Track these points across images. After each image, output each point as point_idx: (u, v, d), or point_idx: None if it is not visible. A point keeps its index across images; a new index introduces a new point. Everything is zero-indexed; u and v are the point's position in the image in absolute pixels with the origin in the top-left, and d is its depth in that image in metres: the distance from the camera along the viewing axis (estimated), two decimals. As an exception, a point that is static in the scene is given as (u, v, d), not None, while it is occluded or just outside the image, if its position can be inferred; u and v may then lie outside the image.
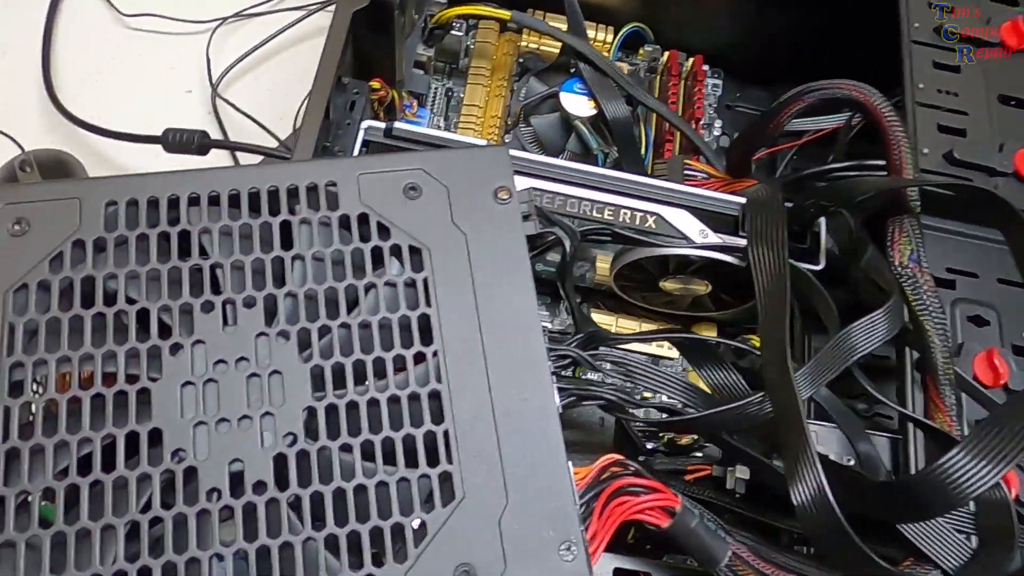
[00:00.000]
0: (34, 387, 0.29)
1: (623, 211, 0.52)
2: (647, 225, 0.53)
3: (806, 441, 0.33)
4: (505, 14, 0.63)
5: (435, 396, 0.30)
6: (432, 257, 0.32)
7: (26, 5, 0.70)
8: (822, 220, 0.52)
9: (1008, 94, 0.54)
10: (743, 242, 0.51)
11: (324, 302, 0.31)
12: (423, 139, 0.52)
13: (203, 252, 0.32)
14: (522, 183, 0.51)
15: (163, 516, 0.28)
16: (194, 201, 0.32)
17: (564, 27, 0.65)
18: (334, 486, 0.29)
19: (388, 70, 0.56)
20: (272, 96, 0.70)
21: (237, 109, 0.67)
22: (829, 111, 0.59)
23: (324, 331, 0.31)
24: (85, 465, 0.28)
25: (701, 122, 0.68)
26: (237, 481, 0.29)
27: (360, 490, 0.29)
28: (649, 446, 0.43)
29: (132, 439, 0.29)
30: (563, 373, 0.39)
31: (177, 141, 0.58)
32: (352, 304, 0.32)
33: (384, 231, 0.33)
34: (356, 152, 0.51)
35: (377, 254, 0.33)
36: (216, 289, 0.31)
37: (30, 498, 0.28)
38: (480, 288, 0.32)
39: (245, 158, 0.63)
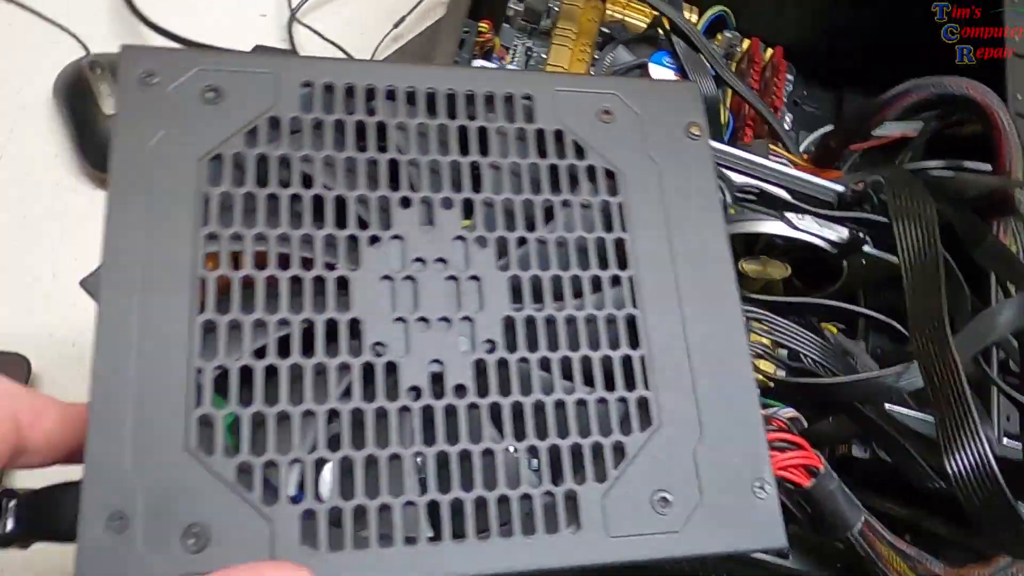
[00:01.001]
0: (228, 261, 0.27)
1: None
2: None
3: (968, 409, 0.33)
4: (604, -26, 0.63)
5: (631, 321, 0.30)
6: (627, 183, 0.32)
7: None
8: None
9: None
10: (841, 229, 0.52)
11: (520, 213, 0.30)
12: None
13: (397, 148, 0.30)
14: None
15: (364, 408, 0.26)
16: (390, 95, 0.31)
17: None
18: (534, 398, 0.28)
19: (497, 14, 0.55)
20: (348, 30, 0.68)
21: (319, 35, 0.65)
22: (924, 110, 0.60)
23: (521, 242, 0.30)
24: (282, 347, 0.27)
25: (778, 112, 0.69)
26: (437, 382, 0.28)
27: (559, 405, 0.28)
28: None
29: (331, 326, 0.27)
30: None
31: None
32: (547, 220, 0.31)
33: (579, 151, 0.32)
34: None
35: (572, 173, 0.32)
36: (412, 187, 0.30)
37: (229, 372, 0.26)
38: (672, 220, 0.32)
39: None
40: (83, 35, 0.62)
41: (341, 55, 0.65)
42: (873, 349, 0.49)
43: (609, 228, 0.31)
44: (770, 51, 0.71)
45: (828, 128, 0.63)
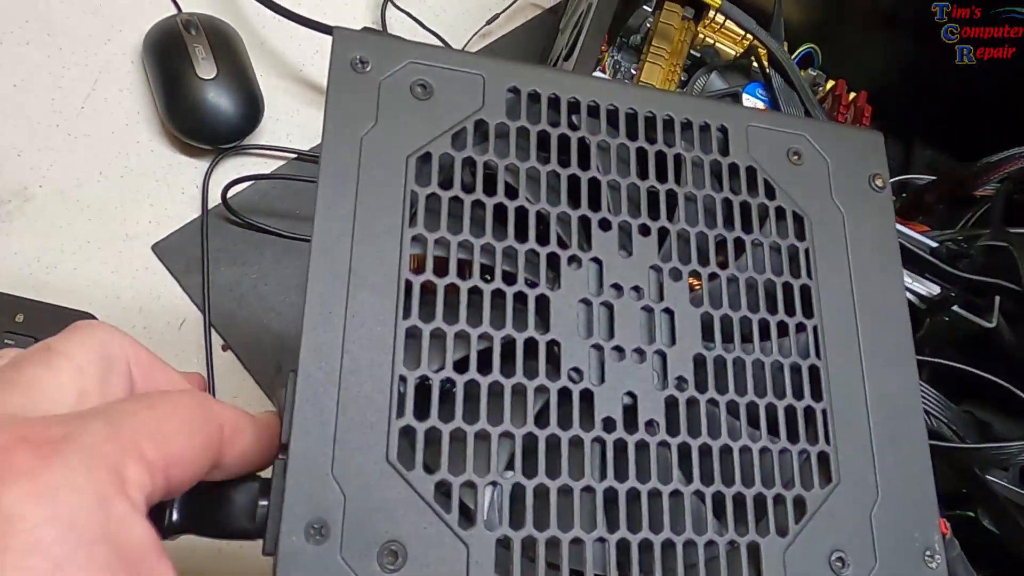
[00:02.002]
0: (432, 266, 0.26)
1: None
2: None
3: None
4: (715, 0, 0.62)
5: (814, 372, 0.29)
6: (813, 228, 0.31)
7: None
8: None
9: None
10: (932, 285, 0.52)
11: (713, 249, 0.30)
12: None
13: (598, 167, 0.30)
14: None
15: (560, 435, 0.26)
16: (593, 111, 0.30)
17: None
18: (722, 442, 0.27)
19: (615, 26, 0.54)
20: (438, 20, 0.66)
21: (414, 19, 0.63)
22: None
23: (712, 278, 0.29)
24: (484, 362, 0.26)
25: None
26: (629, 414, 0.27)
27: (744, 451, 0.27)
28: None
29: (529, 345, 0.26)
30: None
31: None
32: (737, 257, 0.30)
33: (770, 190, 0.31)
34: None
35: (763, 212, 0.31)
36: (610, 209, 0.29)
37: (430, 383, 0.25)
38: (856, 271, 0.31)
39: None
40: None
41: (437, 42, 0.63)
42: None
43: (797, 274, 0.30)
44: (853, 94, 0.71)
45: (928, 179, 0.62)
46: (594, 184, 0.29)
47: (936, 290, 0.52)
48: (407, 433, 0.24)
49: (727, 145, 0.31)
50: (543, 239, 0.28)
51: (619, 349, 0.27)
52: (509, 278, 0.27)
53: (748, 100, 0.62)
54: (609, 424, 0.27)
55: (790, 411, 0.28)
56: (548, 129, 0.29)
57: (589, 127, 0.30)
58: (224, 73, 0.55)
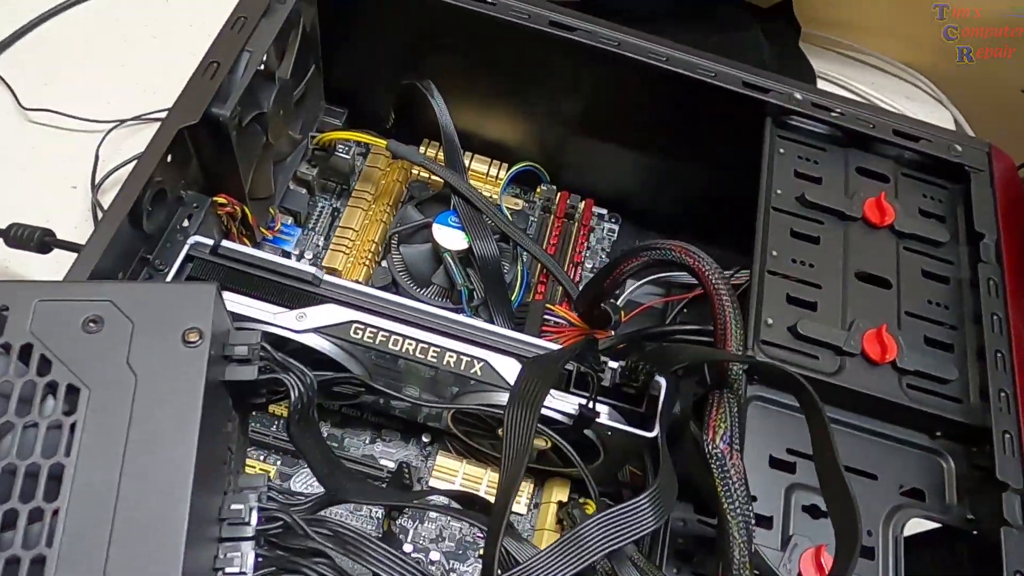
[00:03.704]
0: None
1: (448, 354, 0.49)
2: (473, 371, 0.49)
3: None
4: (381, 142, 0.62)
5: (38, 562, 0.27)
6: (91, 399, 0.29)
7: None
8: (662, 383, 0.48)
9: (866, 271, 0.51)
10: (575, 400, 0.48)
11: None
12: (249, 260, 0.50)
13: None
14: (341, 314, 0.49)
15: None
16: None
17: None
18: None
19: (237, 186, 0.55)
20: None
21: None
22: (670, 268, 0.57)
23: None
24: None
25: (585, 264, 0.66)
26: None
27: None
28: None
29: None
30: (272, 536, 0.35)
31: (17, 236, 0.57)
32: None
33: (45, 365, 0.30)
34: (176, 267, 0.49)
35: (30, 390, 0.30)
36: None
37: None
38: (134, 439, 0.29)
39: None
40: None
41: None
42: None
43: (51, 452, 0.29)
44: (582, 203, 0.69)
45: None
46: None
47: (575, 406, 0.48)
48: None
49: (3, 324, 0.30)
50: None
51: None
52: None
53: (439, 229, 0.61)
54: None
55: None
56: None
57: None
58: None
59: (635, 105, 0.59)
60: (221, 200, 0.54)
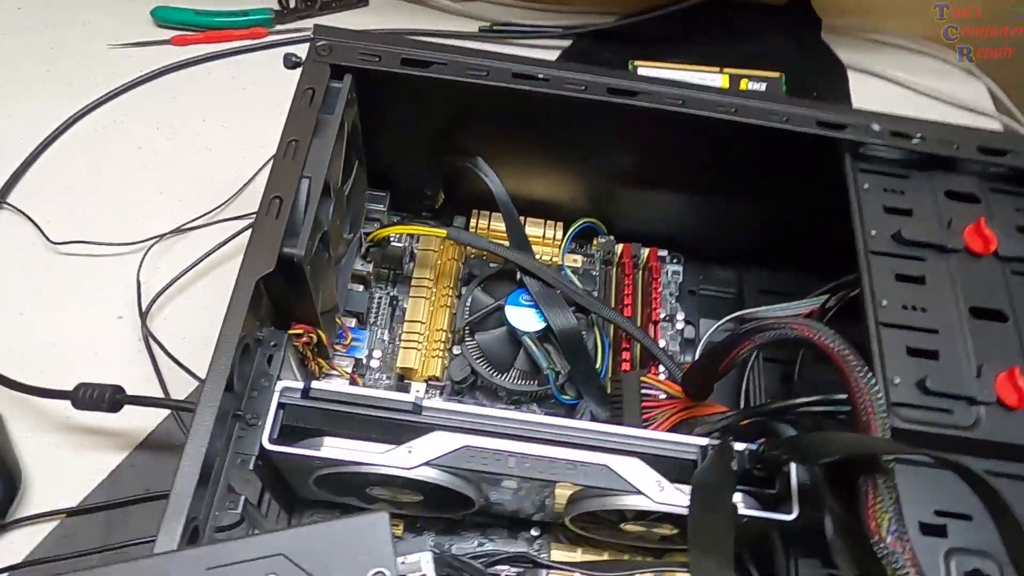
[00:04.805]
0: None
1: (567, 466, 0.47)
2: (595, 480, 0.47)
3: None
4: (441, 232, 0.60)
5: None
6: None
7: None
8: (792, 464, 0.46)
9: (978, 305, 0.49)
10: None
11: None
12: (342, 399, 0.48)
13: None
14: (449, 441, 0.47)
15: None
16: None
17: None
18: None
19: (309, 312, 0.53)
20: (204, 313, 0.65)
21: (161, 347, 0.63)
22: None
23: None
24: None
25: (661, 317, 0.64)
26: None
27: None
28: None
29: None
30: None
31: (87, 399, 0.54)
32: None
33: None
34: (270, 419, 0.46)
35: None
36: None
37: None
38: None
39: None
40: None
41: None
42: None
43: None
44: (646, 252, 0.66)
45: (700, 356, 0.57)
46: None
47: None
48: None
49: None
50: None
51: None
52: None
53: (512, 311, 0.59)
54: None
55: None
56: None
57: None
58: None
59: (700, 153, 0.57)
60: (297, 331, 0.52)
